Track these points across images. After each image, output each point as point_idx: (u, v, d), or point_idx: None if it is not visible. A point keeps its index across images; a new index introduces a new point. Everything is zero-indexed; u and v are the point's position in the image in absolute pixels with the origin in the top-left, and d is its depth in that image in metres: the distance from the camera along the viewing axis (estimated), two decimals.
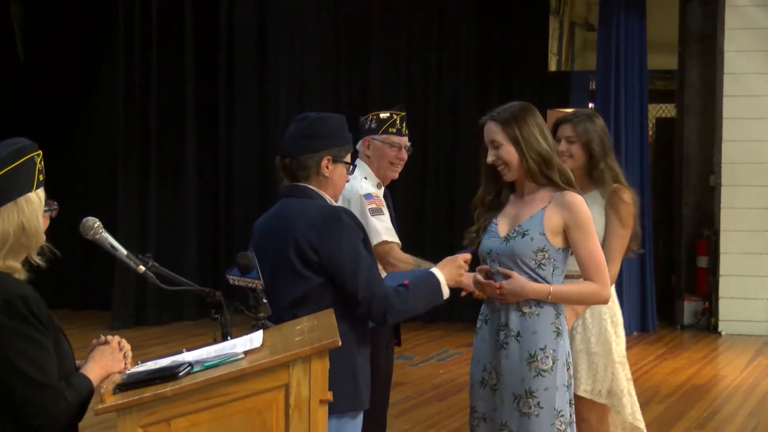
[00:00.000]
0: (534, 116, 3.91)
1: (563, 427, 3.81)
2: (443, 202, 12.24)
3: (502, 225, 3.92)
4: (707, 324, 11.85)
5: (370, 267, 3.67)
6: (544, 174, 3.87)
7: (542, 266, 3.83)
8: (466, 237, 4.06)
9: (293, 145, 3.78)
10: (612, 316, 4.67)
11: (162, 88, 12.15)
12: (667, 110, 13.78)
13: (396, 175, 5.01)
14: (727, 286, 11.64)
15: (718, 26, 11.81)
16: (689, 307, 12.11)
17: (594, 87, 12.25)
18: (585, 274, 3.88)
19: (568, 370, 3.87)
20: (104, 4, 12.57)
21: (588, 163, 4.69)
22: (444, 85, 12.33)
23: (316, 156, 3.74)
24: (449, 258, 3.85)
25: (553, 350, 3.82)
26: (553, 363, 3.81)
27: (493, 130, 3.89)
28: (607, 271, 3.92)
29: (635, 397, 4.75)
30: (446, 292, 3.78)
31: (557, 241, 3.84)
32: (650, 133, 12.94)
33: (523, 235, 3.83)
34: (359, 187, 4.82)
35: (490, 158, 3.90)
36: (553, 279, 3.85)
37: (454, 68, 12.32)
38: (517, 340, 3.83)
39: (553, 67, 14.01)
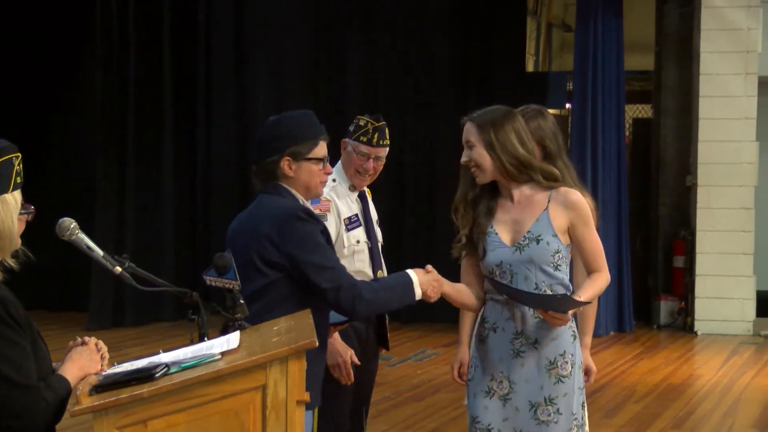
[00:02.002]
0: (513, 121, 3.85)
1: (576, 430, 3.80)
2: (422, 204, 12.24)
3: (503, 233, 3.84)
4: (683, 324, 11.91)
5: (333, 258, 3.72)
6: (524, 174, 3.81)
7: (558, 267, 3.81)
8: (455, 249, 3.93)
9: (257, 152, 3.88)
10: (574, 331, 4.38)
11: (140, 87, 12.12)
12: (644, 111, 13.83)
13: (362, 184, 4.91)
14: (703, 286, 11.70)
15: (694, 27, 11.87)
16: (666, 307, 12.16)
17: (571, 87, 12.29)
18: (591, 266, 3.85)
19: (581, 373, 3.88)
20: (81, 3, 12.52)
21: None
22: (422, 86, 12.34)
23: (275, 159, 3.80)
24: (425, 269, 3.85)
25: (572, 354, 3.80)
26: (572, 367, 3.80)
27: (469, 131, 3.84)
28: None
29: (587, 426, 4.31)
30: (419, 293, 3.76)
31: (565, 239, 3.82)
32: (627, 133, 13.00)
33: (538, 241, 3.77)
34: None
35: (463, 158, 3.85)
36: (565, 276, 3.85)
37: (432, 69, 12.32)
38: (535, 347, 3.78)
39: (530, 67, 14.07)
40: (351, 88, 12.37)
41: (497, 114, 3.86)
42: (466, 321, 4.33)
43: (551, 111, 4.55)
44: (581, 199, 3.83)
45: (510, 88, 11.81)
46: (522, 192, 3.84)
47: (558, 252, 3.78)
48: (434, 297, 3.82)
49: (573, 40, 12.19)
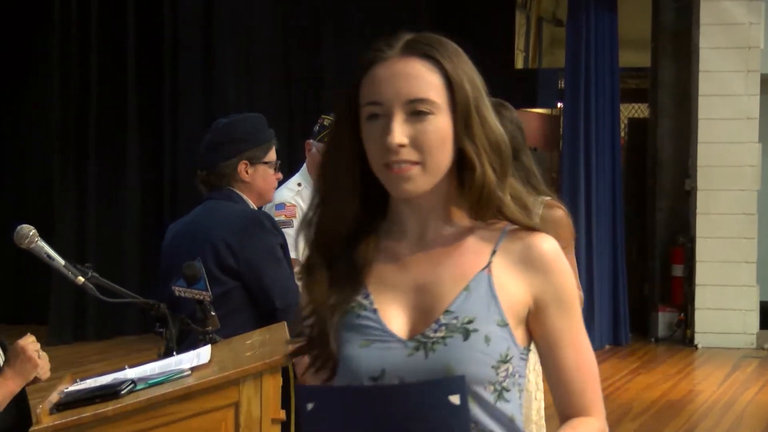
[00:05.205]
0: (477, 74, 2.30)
1: None
2: None
3: (390, 312, 1.95)
4: (683, 336, 11.93)
5: (289, 276, 3.76)
6: (496, 195, 1.96)
7: (504, 394, 1.94)
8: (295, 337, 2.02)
9: (207, 156, 3.93)
10: (536, 363, 3.58)
11: (102, 87, 12.08)
12: (640, 110, 13.90)
13: None
14: (703, 296, 11.72)
15: (692, 22, 11.91)
16: (664, 319, 12.19)
17: (563, 85, 12.32)
18: (576, 398, 1.98)
19: None
20: (39, 3, 12.47)
21: None
22: None
23: (231, 163, 3.83)
24: None
25: None
26: None
27: (421, 76, 2.08)
28: None
29: None
30: None
31: (520, 335, 1.97)
32: (622, 134, 13.04)
33: (466, 333, 1.89)
34: (277, 196, 4.83)
35: (396, 138, 1.92)
36: (516, 412, 1.97)
37: None
38: None
39: (520, 64, 14.10)
40: (325, 89, 12.33)
41: (454, 48, 2.16)
42: None
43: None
44: (560, 252, 1.98)
45: (498, 86, 11.70)
46: (441, 223, 2.00)
47: (507, 360, 1.93)
48: None
49: (564, 36, 12.22)
